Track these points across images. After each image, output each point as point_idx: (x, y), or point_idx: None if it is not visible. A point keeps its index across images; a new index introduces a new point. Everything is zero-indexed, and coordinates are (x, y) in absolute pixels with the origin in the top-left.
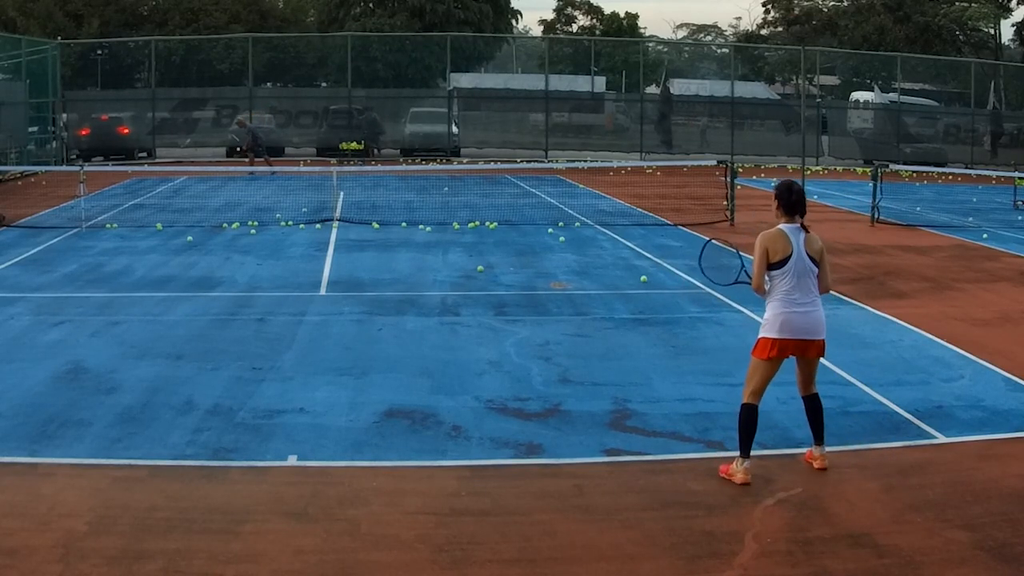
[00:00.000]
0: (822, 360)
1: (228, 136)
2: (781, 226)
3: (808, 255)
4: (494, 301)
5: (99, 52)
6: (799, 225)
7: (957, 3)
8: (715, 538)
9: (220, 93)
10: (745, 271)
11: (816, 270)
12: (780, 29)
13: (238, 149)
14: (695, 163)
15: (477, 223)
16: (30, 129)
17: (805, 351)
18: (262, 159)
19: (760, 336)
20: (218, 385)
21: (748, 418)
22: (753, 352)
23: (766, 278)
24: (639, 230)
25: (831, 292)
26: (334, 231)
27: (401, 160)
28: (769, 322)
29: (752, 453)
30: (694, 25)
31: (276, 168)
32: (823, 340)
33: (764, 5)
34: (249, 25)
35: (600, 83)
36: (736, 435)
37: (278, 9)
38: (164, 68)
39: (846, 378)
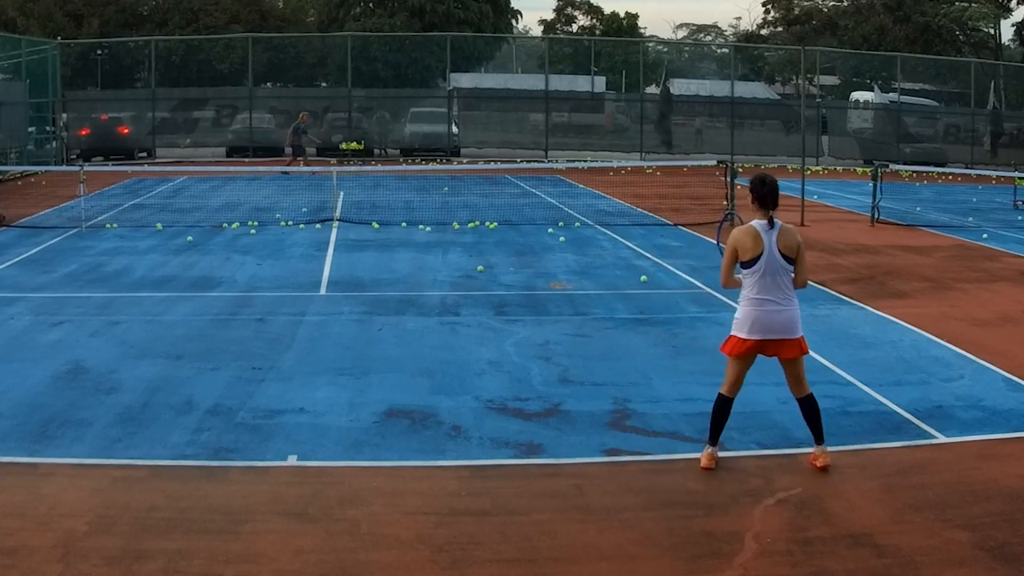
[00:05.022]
0: (822, 360)
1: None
2: (753, 223)
3: (780, 252)
4: (494, 301)
5: (99, 52)
6: (768, 220)
7: (957, 3)
8: (715, 538)
9: (220, 93)
10: (735, 215)
11: (790, 267)
12: (780, 29)
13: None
14: (695, 163)
15: (477, 223)
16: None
17: (779, 351)
18: (301, 157)
19: (731, 334)
20: (218, 385)
21: (720, 408)
22: (723, 349)
23: (742, 274)
24: (639, 230)
25: (829, 291)
26: (334, 231)
27: (401, 160)
28: (740, 321)
29: (752, 453)
30: (694, 25)
31: (312, 168)
32: (799, 338)
33: (764, 5)
34: (249, 25)
35: (600, 83)
36: (741, 435)
37: (278, 9)
38: (164, 68)
39: (846, 378)
